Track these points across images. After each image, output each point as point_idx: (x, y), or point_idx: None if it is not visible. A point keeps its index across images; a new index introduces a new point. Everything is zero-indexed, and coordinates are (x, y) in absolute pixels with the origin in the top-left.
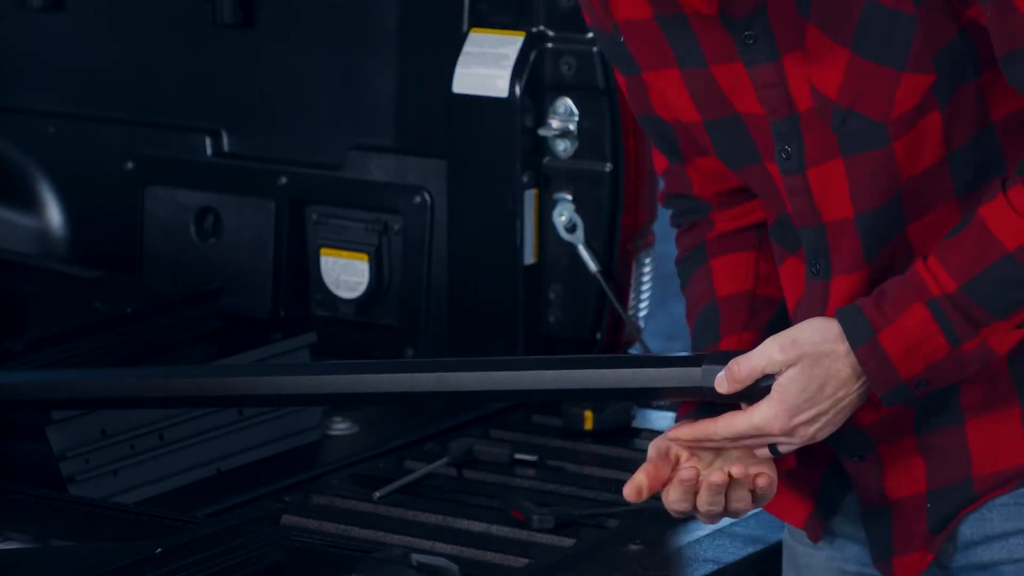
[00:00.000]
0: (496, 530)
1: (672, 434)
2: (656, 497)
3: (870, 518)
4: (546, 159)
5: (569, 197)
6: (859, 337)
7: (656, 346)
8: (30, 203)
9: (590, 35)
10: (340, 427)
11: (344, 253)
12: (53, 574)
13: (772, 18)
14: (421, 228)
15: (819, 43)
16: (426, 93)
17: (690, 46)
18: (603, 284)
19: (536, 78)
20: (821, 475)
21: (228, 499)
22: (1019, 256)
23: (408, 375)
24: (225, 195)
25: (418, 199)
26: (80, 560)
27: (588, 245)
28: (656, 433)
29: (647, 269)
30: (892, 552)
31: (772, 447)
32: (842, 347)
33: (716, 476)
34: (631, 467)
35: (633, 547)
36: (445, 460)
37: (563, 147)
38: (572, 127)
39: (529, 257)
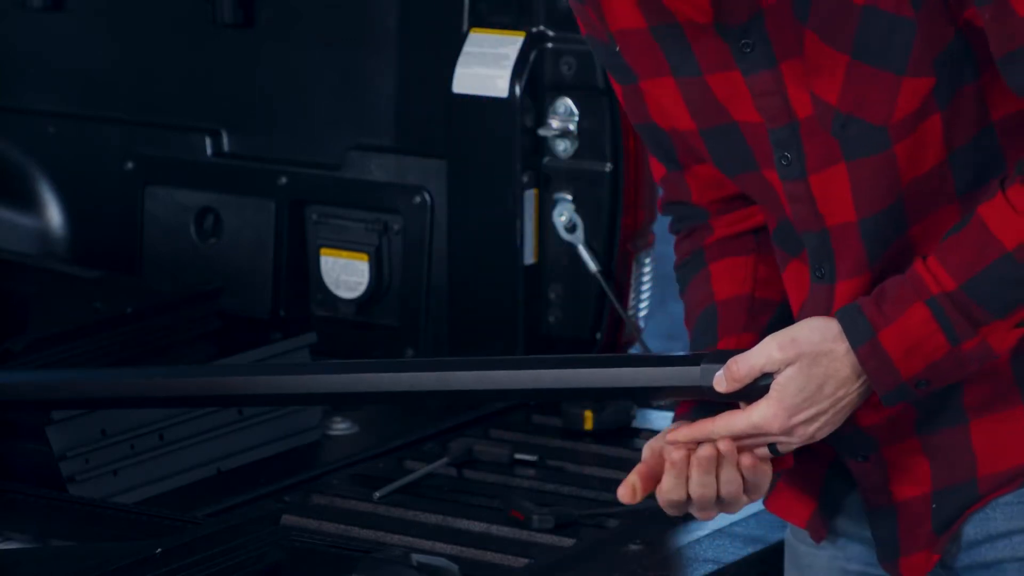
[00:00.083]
0: (496, 530)
1: (670, 436)
2: (653, 497)
3: (875, 518)
4: (546, 159)
5: (569, 197)
6: (859, 337)
7: (656, 346)
8: (30, 203)
9: None
10: (340, 427)
11: (344, 253)
12: (53, 574)
13: (770, 26)
14: (421, 228)
15: (818, 49)
16: (426, 93)
17: (684, 55)
18: (603, 284)
19: (536, 78)
20: (823, 474)
21: (228, 499)
22: (1018, 255)
23: (408, 375)
24: (225, 195)
25: (418, 199)
26: (80, 560)
27: (588, 245)
28: (655, 433)
29: (647, 269)
30: (899, 552)
31: (771, 446)
32: (841, 346)
33: (705, 450)
34: (631, 467)
35: (633, 547)
36: (445, 460)
37: (563, 147)
38: (572, 127)
39: (529, 257)
